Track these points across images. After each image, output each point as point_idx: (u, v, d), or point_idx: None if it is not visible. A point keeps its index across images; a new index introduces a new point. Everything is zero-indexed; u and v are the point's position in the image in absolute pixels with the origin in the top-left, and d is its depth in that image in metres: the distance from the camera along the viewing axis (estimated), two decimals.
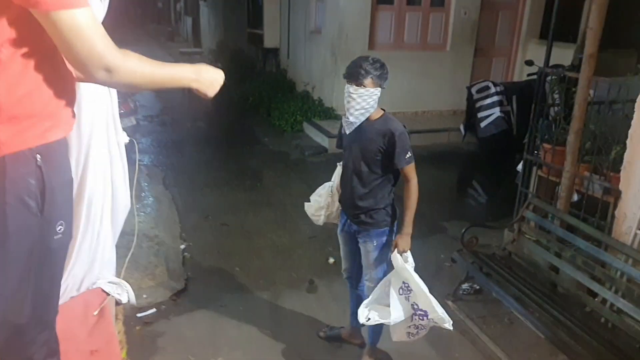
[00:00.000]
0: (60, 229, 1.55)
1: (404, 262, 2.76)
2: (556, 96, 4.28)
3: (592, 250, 3.29)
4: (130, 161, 2.59)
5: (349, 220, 2.96)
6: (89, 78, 1.41)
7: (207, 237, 4.79)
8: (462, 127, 7.40)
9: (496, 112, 6.96)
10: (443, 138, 7.80)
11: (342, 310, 3.75)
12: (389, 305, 2.81)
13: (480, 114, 7.04)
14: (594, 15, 3.28)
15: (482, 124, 7.03)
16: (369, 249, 2.88)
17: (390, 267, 2.95)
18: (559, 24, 8.97)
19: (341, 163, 3.03)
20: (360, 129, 2.70)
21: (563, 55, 8.16)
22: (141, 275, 4.03)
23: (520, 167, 5.73)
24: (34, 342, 1.65)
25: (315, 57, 8.74)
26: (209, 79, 1.67)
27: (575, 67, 7.54)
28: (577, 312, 3.34)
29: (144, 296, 3.78)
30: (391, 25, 8.05)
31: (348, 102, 2.62)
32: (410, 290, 2.77)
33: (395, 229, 2.93)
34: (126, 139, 2.52)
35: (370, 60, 2.59)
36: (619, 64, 8.02)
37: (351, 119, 2.66)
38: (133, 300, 2.73)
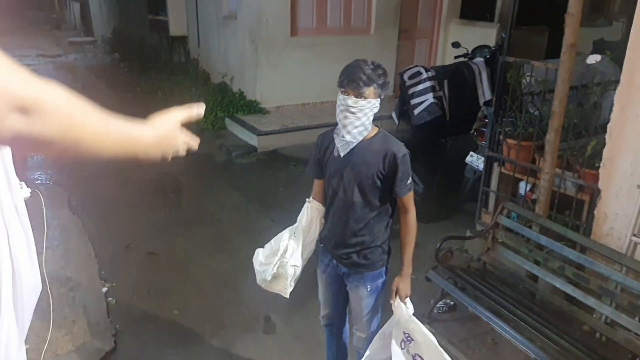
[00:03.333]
0: None
1: (408, 311, 2.29)
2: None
3: (587, 262, 2.99)
4: (37, 218, 1.84)
5: (334, 261, 2.40)
6: None
7: (133, 273, 4.01)
8: (394, 115, 7.05)
9: (429, 98, 6.67)
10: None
11: (308, 352, 3.23)
12: None
13: (413, 101, 6.71)
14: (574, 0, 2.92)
15: (416, 111, 6.71)
16: (362, 295, 2.36)
17: (383, 312, 2.46)
18: (477, 3, 8.86)
19: (309, 200, 2.46)
20: (352, 150, 2.16)
21: (484, 35, 8.07)
22: (55, 336, 3.23)
23: (469, 159, 5.47)
24: None
25: (232, 45, 7.96)
26: (170, 144, 1.10)
27: (500, 47, 7.46)
28: (561, 324, 3.06)
29: None
30: (313, 9, 7.45)
31: (345, 117, 2.07)
32: (411, 341, 2.31)
33: (389, 268, 2.43)
34: (26, 193, 1.77)
35: (370, 64, 2.06)
36: (532, 41, 8.07)
37: (348, 138, 2.11)
38: None
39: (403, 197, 2.21)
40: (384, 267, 2.37)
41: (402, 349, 2.29)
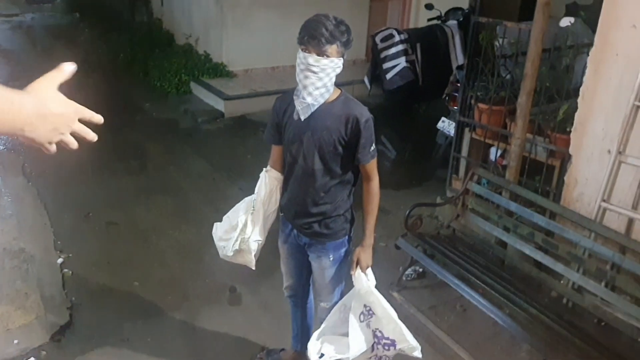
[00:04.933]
0: None
1: (368, 282, 2.20)
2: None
3: (556, 229, 2.94)
4: None
5: (295, 231, 2.28)
6: None
7: (91, 244, 3.83)
8: (366, 80, 6.89)
9: (402, 62, 6.53)
10: (347, 92, 7.24)
11: (275, 323, 3.14)
12: (345, 335, 2.25)
13: (386, 65, 6.56)
14: None
15: (388, 76, 6.57)
16: (325, 265, 2.26)
17: (347, 283, 2.37)
18: None
19: (266, 169, 2.31)
20: (312, 114, 2.01)
21: None
22: (6, 310, 3.08)
23: (440, 124, 5.37)
24: None
25: (196, 4, 7.60)
26: (54, 123, 0.95)
27: (473, 9, 7.29)
28: (530, 290, 3.05)
29: (15, 342, 2.87)
30: None
31: (306, 77, 1.91)
32: (372, 315, 2.23)
33: (352, 236, 2.32)
34: None
35: (333, 19, 1.90)
36: (505, 4, 7.92)
37: (309, 100, 1.96)
38: None
39: (366, 164, 2.09)
40: (346, 236, 2.27)
41: (361, 321, 2.21)
